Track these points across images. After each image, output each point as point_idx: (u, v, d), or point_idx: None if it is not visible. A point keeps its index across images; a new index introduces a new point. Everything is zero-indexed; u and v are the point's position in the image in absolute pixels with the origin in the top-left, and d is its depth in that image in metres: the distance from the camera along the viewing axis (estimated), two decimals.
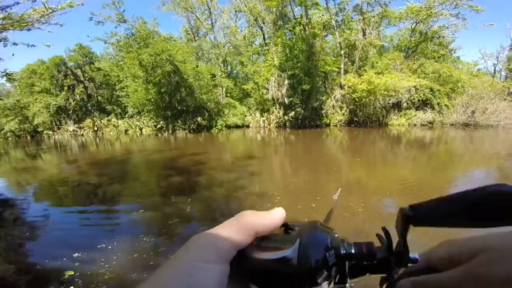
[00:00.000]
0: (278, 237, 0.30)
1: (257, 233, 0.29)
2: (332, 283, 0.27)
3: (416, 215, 0.27)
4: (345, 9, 22.72)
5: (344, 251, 0.28)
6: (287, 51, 21.01)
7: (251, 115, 23.83)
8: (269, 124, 22.70)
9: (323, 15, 22.45)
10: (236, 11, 28.43)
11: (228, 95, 25.15)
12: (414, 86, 19.12)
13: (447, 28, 22.95)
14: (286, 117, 21.81)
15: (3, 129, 24.79)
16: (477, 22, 37.84)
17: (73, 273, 3.02)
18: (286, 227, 0.31)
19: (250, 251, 0.28)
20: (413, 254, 0.29)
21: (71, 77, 24.74)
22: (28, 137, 25.06)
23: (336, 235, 0.30)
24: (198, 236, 0.28)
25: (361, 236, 3.76)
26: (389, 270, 0.28)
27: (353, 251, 0.28)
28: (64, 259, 3.36)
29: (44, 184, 7.92)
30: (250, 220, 0.30)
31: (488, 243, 0.25)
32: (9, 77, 15.72)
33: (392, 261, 0.28)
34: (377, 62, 21.78)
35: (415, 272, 0.29)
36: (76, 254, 3.44)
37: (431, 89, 19.60)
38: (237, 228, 0.29)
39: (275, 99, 21.74)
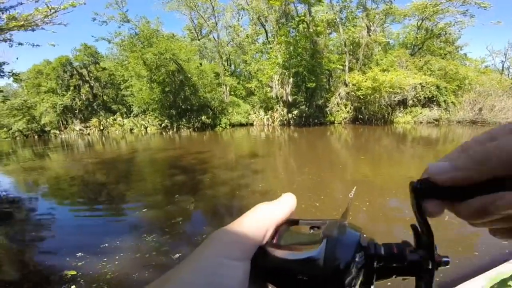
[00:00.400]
0: (301, 234, 0.29)
1: (277, 225, 0.29)
2: (358, 285, 0.26)
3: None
4: (349, 6, 22.54)
5: (373, 252, 0.27)
6: (291, 49, 20.90)
7: (255, 113, 23.81)
8: (273, 122, 22.66)
9: (326, 13, 22.26)
10: (238, 10, 28.34)
11: (232, 93, 25.16)
12: (420, 84, 18.87)
13: (454, 25, 22.60)
14: (290, 115, 21.75)
15: (11, 128, 25.24)
16: (484, 19, 37.25)
17: (75, 272, 3.05)
18: (310, 226, 0.30)
19: (271, 249, 0.27)
20: (444, 257, 0.26)
21: (77, 77, 25.03)
22: (36, 137, 25.47)
23: (364, 235, 0.28)
24: (221, 232, 0.26)
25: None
26: (419, 273, 0.26)
27: (383, 253, 0.27)
28: (68, 258, 3.39)
29: (51, 183, 8.03)
30: (269, 212, 0.29)
31: None
32: (16, 77, 15.93)
33: (423, 263, 0.26)
34: (382, 60, 21.53)
35: None
36: (80, 254, 3.46)
37: (437, 86, 19.32)
38: (258, 222, 0.27)
39: (279, 97, 21.69)
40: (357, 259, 0.25)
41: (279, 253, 0.26)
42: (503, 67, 28.12)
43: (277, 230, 0.29)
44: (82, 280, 2.92)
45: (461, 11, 20.53)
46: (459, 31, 23.79)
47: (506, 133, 0.23)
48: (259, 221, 0.28)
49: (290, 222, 0.31)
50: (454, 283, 2.32)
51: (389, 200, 5.21)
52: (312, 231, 0.30)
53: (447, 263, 0.26)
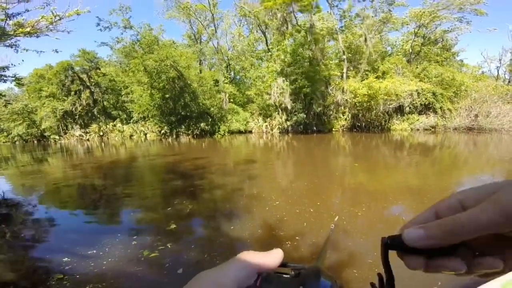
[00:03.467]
0: (282, 279, 0.32)
1: (258, 272, 0.31)
2: None
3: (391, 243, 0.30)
4: (348, 15, 23.02)
5: None
6: (290, 57, 21.18)
7: (253, 120, 23.94)
8: (272, 130, 22.75)
9: (326, 21, 22.67)
10: (240, 15, 28.65)
11: (232, 100, 25.34)
12: (416, 90, 19.06)
13: (450, 31, 22.99)
14: (288, 122, 21.87)
15: (11, 133, 25.30)
16: (480, 25, 37.90)
17: (62, 276, 3.06)
18: (290, 268, 0.34)
19: None
20: None
21: (78, 82, 25.21)
22: (35, 142, 25.52)
23: (336, 282, 0.31)
24: (203, 274, 0.29)
25: (361, 241, 3.77)
26: None
27: None
28: (58, 262, 3.41)
29: (49, 187, 8.07)
30: (251, 259, 0.31)
31: (509, 181, 0.26)
32: (18, 81, 16.09)
33: None
34: (378, 67, 21.82)
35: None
36: (70, 257, 3.48)
37: (434, 93, 19.51)
38: (239, 267, 0.30)
39: (278, 105, 21.85)
40: None
41: None
42: (498, 73, 28.37)
43: (260, 274, 0.31)
44: (68, 284, 2.93)
45: (457, 17, 20.93)
46: (456, 37, 24.18)
47: (473, 200, 0.27)
48: (242, 266, 0.30)
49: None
50: None
51: (386, 206, 5.23)
52: (292, 272, 0.33)
53: None
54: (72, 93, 25.07)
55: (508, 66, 26.41)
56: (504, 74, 27.86)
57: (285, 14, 23.03)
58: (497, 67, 28.13)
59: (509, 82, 25.96)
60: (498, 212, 0.24)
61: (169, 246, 3.76)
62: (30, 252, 3.93)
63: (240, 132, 23.30)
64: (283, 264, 0.34)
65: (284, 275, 0.33)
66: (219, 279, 0.28)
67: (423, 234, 0.27)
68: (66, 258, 3.47)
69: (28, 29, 9.89)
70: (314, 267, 0.33)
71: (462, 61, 27.36)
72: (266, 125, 23.12)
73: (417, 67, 21.77)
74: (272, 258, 0.32)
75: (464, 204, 0.28)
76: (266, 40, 26.09)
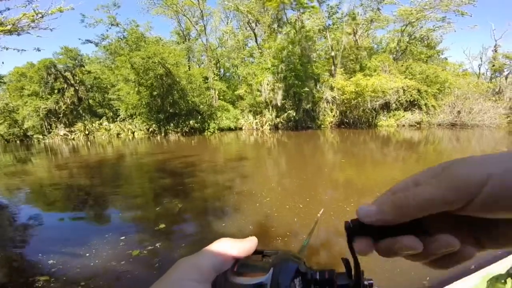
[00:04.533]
0: (256, 264, 0.35)
1: (234, 258, 0.34)
2: None
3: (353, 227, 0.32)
4: (336, 12, 23.22)
5: (310, 278, 0.32)
6: (280, 54, 21.22)
7: (243, 117, 23.90)
8: (262, 126, 22.81)
9: (316, 19, 22.81)
10: (228, 10, 28.33)
11: (221, 97, 25.16)
12: (402, 87, 19.51)
13: (435, 30, 23.57)
14: (278, 119, 21.98)
15: None
16: (462, 23, 38.95)
17: (48, 278, 3.01)
18: (263, 255, 0.37)
19: (231, 276, 0.32)
20: (368, 279, 0.32)
21: (61, 80, 24.42)
22: (18, 142, 24.63)
23: (304, 264, 0.34)
24: (185, 259, 0.31)
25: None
26: None
27: (318, 277, 0.32)
28: (43, 263, 3.34)
29: (33, 188, 7.83)
30: (227, 246, 0.34)
31: (461, 158, 0.26)
32: None
33: (349, 286, 0.32)
34: (366, 64, 22.16)
35: None
36: (55, 259, 3.41)
37: (419, 90, 20.02)
38: (217, 253, 0.33)
39: (268, 102, 21.90)
40: (296, 284, 0.31)
41: (236, 279, 0.32)
42: (479, 70, 29.25)
43: (237, 260, 0.34)
44: (55, 285, 2.89)
45: (440, 17, 21.46)
46: (441, 36, 24.81)
47: (427, 178, 0.27)
48: (219, 252, 0.33)
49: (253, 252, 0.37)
50: (446, 282, 2.39)
51: (372, 200, 5.36)
52: (264, 259, 0.36)
53: (371, 285, 0.32)
54: (56, 91, 24.26)
55: (490, 63, 27.24)
56: (486, 72, 28.76)
57: (276, 12, 23.03)
58: (479, 65, 29.02)
59: (490, 79, 26.82)
60: (446, 187, 0.24)
61: (158, 246, 3.73)
62: (15, 254, 3.83)
63: (230, 129, 23.19)
64: (259, 252, 0.37)
65: (259, 261, 0.35)
66: (199, 264, 0.31)
67: (375, 209, 0.29)
68: (52, 260, 3.40)
69: (8, 27, 9.51)
70: (285, 252, 0.35)
71: (447, 59, 28.11)
72: (256, 122, 23.14)
73: (402, 65, 22.23)
74: (246, 244, 0.35)
75: (418, 182, 0.28)
76: (256, 37, 26.01)
